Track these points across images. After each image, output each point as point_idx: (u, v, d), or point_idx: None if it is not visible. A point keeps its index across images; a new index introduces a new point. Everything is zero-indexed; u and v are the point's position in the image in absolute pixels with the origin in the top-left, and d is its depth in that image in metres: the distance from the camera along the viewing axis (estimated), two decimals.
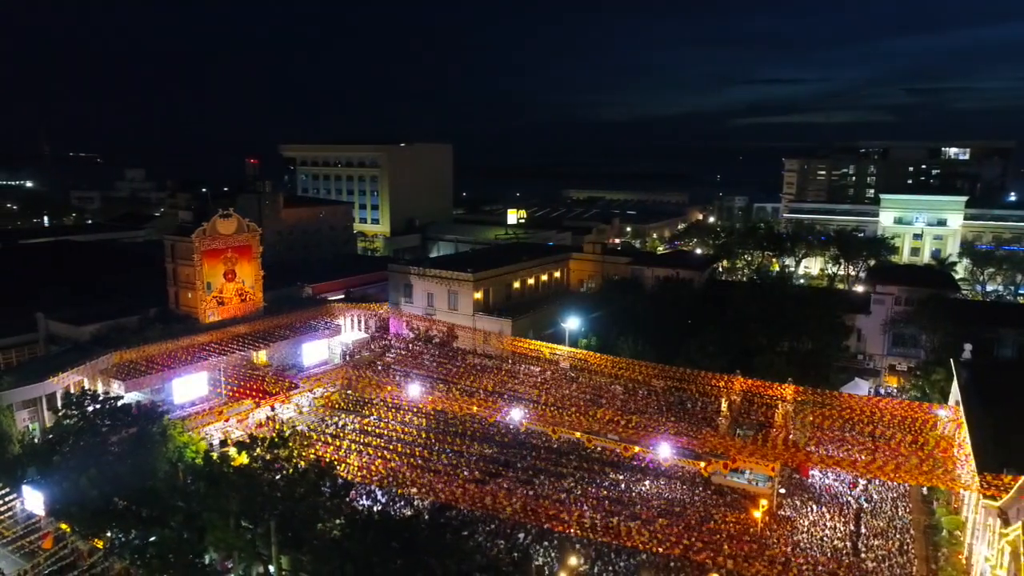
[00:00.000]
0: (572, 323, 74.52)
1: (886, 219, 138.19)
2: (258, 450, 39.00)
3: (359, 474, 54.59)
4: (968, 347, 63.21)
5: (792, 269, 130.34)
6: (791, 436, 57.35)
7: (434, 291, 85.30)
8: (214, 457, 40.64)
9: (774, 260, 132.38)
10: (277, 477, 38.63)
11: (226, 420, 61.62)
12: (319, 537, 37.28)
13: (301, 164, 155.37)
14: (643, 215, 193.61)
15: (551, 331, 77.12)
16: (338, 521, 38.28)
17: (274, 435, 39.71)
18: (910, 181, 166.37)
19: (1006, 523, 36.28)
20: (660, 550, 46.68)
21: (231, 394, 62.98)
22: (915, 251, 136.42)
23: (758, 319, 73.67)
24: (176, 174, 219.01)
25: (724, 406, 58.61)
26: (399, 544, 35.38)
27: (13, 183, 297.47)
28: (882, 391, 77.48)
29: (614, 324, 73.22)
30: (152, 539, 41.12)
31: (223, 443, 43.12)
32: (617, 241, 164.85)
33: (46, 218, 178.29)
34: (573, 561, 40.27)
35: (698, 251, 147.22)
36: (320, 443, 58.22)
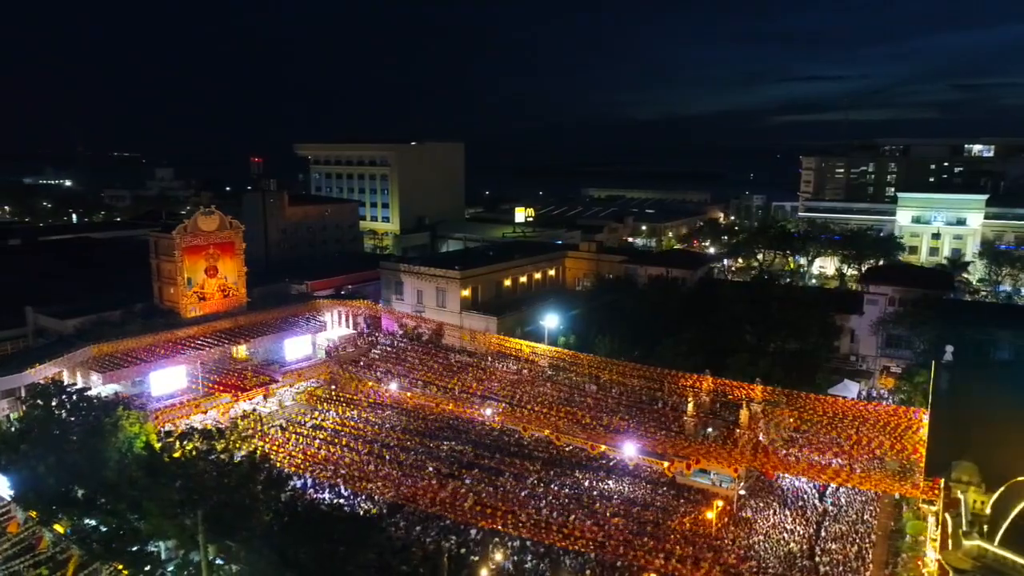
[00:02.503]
0: (551, 321, 74.44)
1: (903, 218, 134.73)
2: (194, 441, 39.91)
3: (314, 469, 55.55)
4: (950, 349, 61.56)
5: (805, 268, 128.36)
6: (761, 437, 56.54)
7: (423, 288, 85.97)
8: (156, 447, 41.73)
9: (789, 259, 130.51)
10: (211, 468, 39.47)
11: (204, 413, 63.01)
12: (249, 527, 37.98)
13: (315, 163, 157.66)
14: (662, 214, 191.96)
15: (529, 329, 77.16)
16: (272, 513, 38.94)
17: (211, 426, 40.53)
18: (932, 179, 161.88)
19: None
20: (608, 550, 46.56)
21: (208, 388, 64.41)
22: (934, 251, 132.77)
23: (743, 319, 72.85)
24: (203, 173, 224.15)
25: (691, 406, 58.01)
26: (321, 535, 36.00)
27: (53, 182, 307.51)
28: (874, 393, 75.83)
29: (594, 322, 73.01)
30: (99, 527, 42.57)
31: (168, 434, 44.19)
32: (630, 240, 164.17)
33: (74, 216, 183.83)
34: (499, 556, 40.39)
35: (711, 250, 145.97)
36: (273, 436, 59.41)
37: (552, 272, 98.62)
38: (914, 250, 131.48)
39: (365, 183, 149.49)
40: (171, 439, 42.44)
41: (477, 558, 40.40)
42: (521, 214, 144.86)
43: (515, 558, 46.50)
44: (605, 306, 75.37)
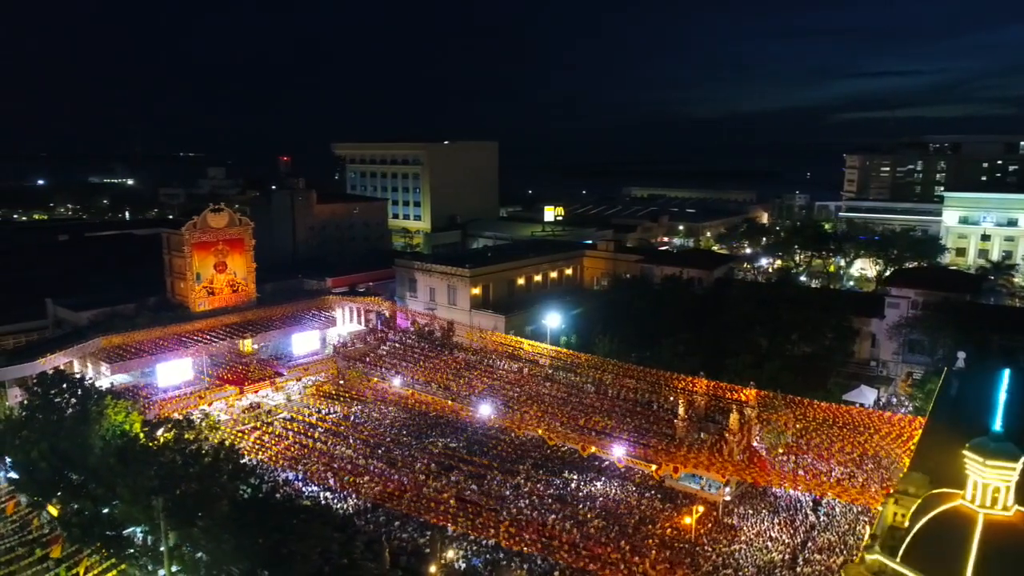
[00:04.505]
0: (554, 320, 74.00)
1: (950, 219, 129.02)
2: (164, 432, 41.08)
3: (308, 462, 56.51)
4: (962, 355, 58.72)
5: (844, 270, 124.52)
6: (756, 443, 54.93)
7: (436, 286, 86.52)
8: (132, 436, 43.07)
9: (829, 260, 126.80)
10: (178, 457, 40.57)
11: (208, 404, 64.78)
12: (210, 515, 38.91)
13: (350, 162, 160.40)
14: (702, 213, 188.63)
15: (533, 328, 76.82)
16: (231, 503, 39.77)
17: (181, 419, 41.64)
18: (984, 178, 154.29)
19: None
20: (580, 554, 46.01)
21: (213, 380, 66.16)
22: (983, 253, 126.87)
23: (754, 320, 70.98)
24: (252, 171, 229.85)
25: (681, 409, 56.70)
26: (271, 526, 36.67)
27: (117, 180, 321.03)
28: (893, 400, 72.91)
29: (598, 322, 72.23)
30: (82, 511, 44.18)
31: (145, 423, 45.63)
32: (665, 239, 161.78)
33: (127, 213, 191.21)
34: (451, 554, 40.38)
35: (747, 250, 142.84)
36: (273, 429, 60.53)
37: (569, 271, 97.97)
38: (962, 252, 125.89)
39: (398, 182, 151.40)
40: (145, 428, 43.72)
41: (428, 552, 40.46)
42: (551, 213, 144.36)
43: (488, 556, 46.51)
44: (607, 305, 74.46)
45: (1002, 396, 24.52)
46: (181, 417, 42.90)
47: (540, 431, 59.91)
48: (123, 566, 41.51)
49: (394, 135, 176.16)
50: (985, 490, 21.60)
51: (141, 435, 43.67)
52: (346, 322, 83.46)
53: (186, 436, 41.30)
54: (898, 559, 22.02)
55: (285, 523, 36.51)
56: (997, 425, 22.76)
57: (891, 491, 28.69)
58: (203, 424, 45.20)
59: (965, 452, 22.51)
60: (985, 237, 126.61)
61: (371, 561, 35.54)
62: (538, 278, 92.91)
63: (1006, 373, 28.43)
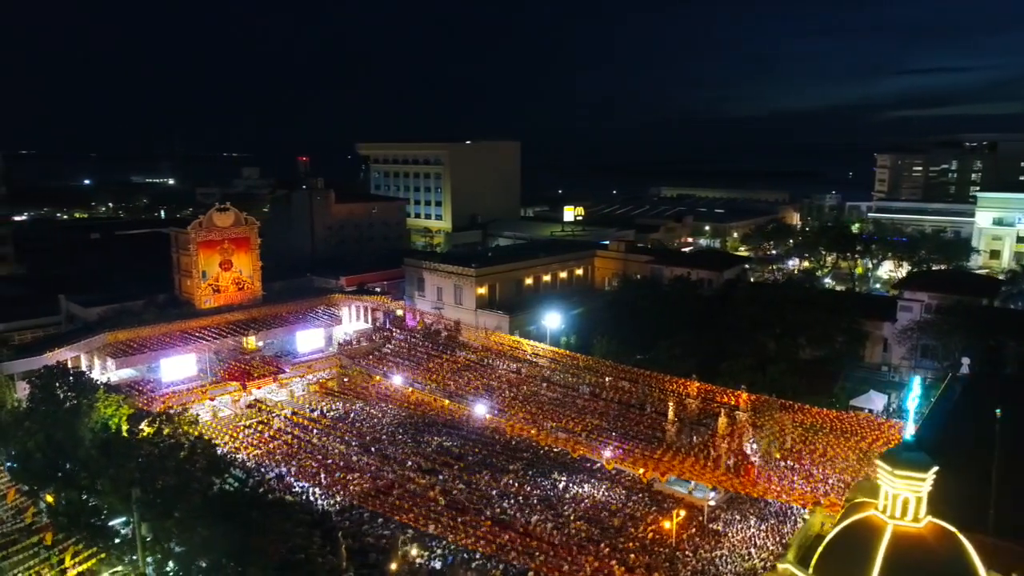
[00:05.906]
0: (553, 320, 73.69)
1: (983, 220, 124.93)
2: (146, 427, 42.04)
3: (302, 458, 57.32)
4: (966, 361, 56.93)
5: (871, 272, 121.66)
6: (749, 449, 53.94)
7: (443, 285, 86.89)
8: (113, 428, 44.17)
9: (858, 262, 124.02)
10: (156, 450, 41.48)
11: (211, 400, 66.11)
12: (184, 508, 39.69)
13: (374, 162, 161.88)
14: (731, 213, 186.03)
15: (534, 328, 76.60)
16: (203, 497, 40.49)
17: (162, 413, 42.55)
18: (1022, 178, 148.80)
19: None
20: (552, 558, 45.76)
21: (216, 376, 67.49)
22: (1018, 255, 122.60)
23: (759, 322, 69.69)
24: (280, 173, 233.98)
25: (671, 413, 55.95)
26: (237, 521, 37.24)
27: (157, 180, 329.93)
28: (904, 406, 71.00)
29: (599, 323, 71.74)
30: (71, 502, 45.49)
31: (131, 416, 46.77)
32: (689, 240, 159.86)
33: (163, 212, 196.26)
34: (413, 552, 40.54)
35: (773, 251, 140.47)
36: (271, 425, 61.37)
37: (580, 271, 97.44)
38: (995, 254, 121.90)
39: (420, 181, 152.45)
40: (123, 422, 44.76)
41: (392, 548, 40.69)
42: (570, 213, 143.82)
43: (464, 555, 46.57)
44: (610, 306, 73.93)
45: (911, 404, 23.58)
46: (162, 411, 43.84)
47: (533, 432, 59.75)
48: (103, 555, 42.62)
49: (419, 135, 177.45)
50: (895, 500, 20.85)
51: (124, 428, 44.73)
52: (352, 320, 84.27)
53: (165, 431, 42.19)
54: (810, 569, 21.43)
55: (248, 517, 37.02)
56: (908, 434, 21.93)
57: (844, 500, 27.85)
58: (182, 419, 46.11)
59: (876, 461, 21.81)
60: (1021, 239, 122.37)
61: (332, 556, 35.90)
62: (547, 278, 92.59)
63: (916, 380, 27.36)
